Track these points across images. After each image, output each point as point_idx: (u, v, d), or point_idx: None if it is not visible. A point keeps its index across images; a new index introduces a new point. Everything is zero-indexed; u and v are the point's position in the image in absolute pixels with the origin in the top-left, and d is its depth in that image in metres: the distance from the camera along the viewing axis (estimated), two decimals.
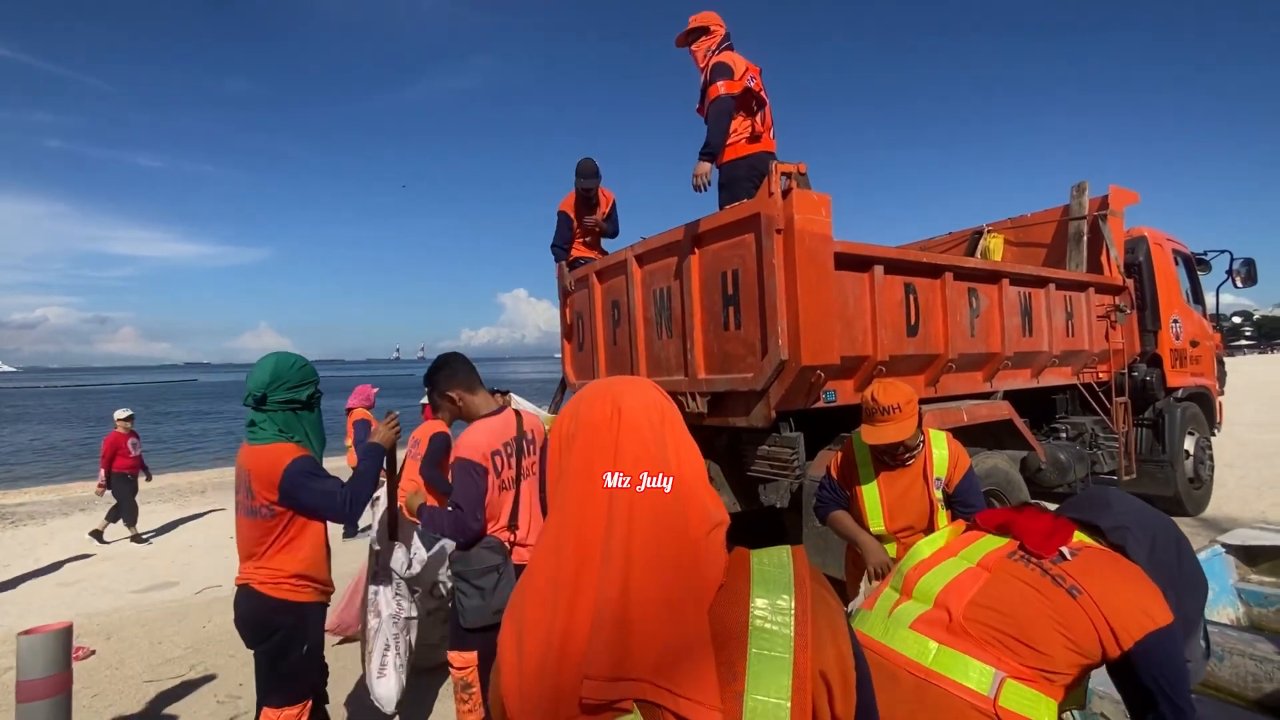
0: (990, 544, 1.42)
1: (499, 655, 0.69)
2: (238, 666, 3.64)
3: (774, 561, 0.69)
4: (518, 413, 2.48)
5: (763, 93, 3.83)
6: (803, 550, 0.71)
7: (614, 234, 5.09)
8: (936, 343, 3.76)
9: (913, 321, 3.64)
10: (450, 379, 2.39)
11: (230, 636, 3.39)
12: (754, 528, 4.46)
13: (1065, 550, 1.32)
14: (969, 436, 3.73)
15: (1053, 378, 4.82)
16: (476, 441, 2.25)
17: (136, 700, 3.40)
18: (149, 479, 7.72)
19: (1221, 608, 3.32)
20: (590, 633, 0.62)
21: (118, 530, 7.05)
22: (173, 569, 5.96)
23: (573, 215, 4.89)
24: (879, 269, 3.40)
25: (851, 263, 3.31)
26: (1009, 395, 4.29)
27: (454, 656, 2.40)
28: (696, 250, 3.51)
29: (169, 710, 3.30)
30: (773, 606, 0.64)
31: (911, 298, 3.64)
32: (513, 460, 2.34)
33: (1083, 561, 1.29)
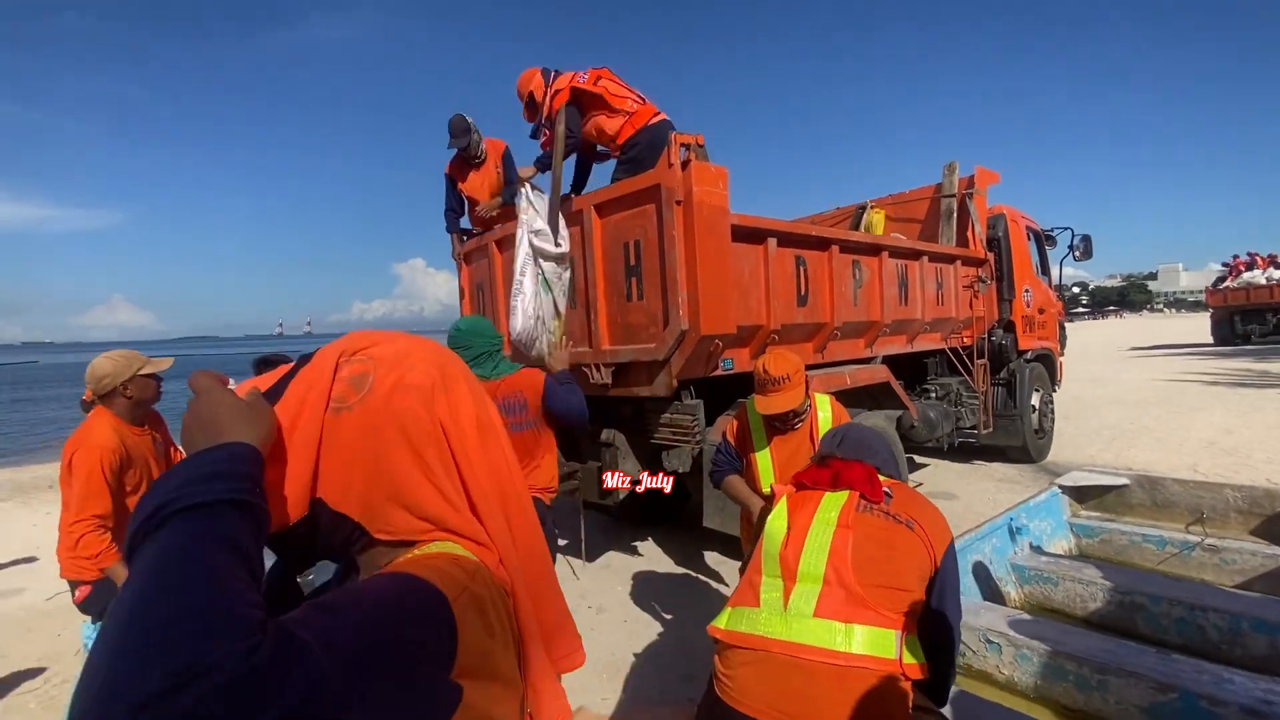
0: (835, 501, 1.50)
1: None
2: None
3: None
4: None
5: (600, 76, 3.85)
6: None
7: (511, 182, 4.88)
8: (824, 312, 4.00)
9: (803, 292, 3.84)
10: None
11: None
12: (657, 495, 4.60)
13: (886, 490, 1.52)
14: (851, 398, 4.03)
15: (924, 343, 5.28)
16: None
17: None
18: None
19: (1057, 540, 3.84)
20: None
21: None
22: (14, 575, 5.29)
23: (457, 178, 4.67)
24: (773, 241, 3.55)
25: (747, 235, 3.43)
26: (886, 360, 4.65)
27: None
28: (599, 220, 3.50)
29: None
30: None
31: (802, 269, 3.83)
32: None
33: (900, 497, 1.51)
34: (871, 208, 6.26)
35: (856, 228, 6.09)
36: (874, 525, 1.43)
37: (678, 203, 3.07)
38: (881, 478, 1.57)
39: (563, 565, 4.51)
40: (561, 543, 4.95)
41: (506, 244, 4.34)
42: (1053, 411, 6.89)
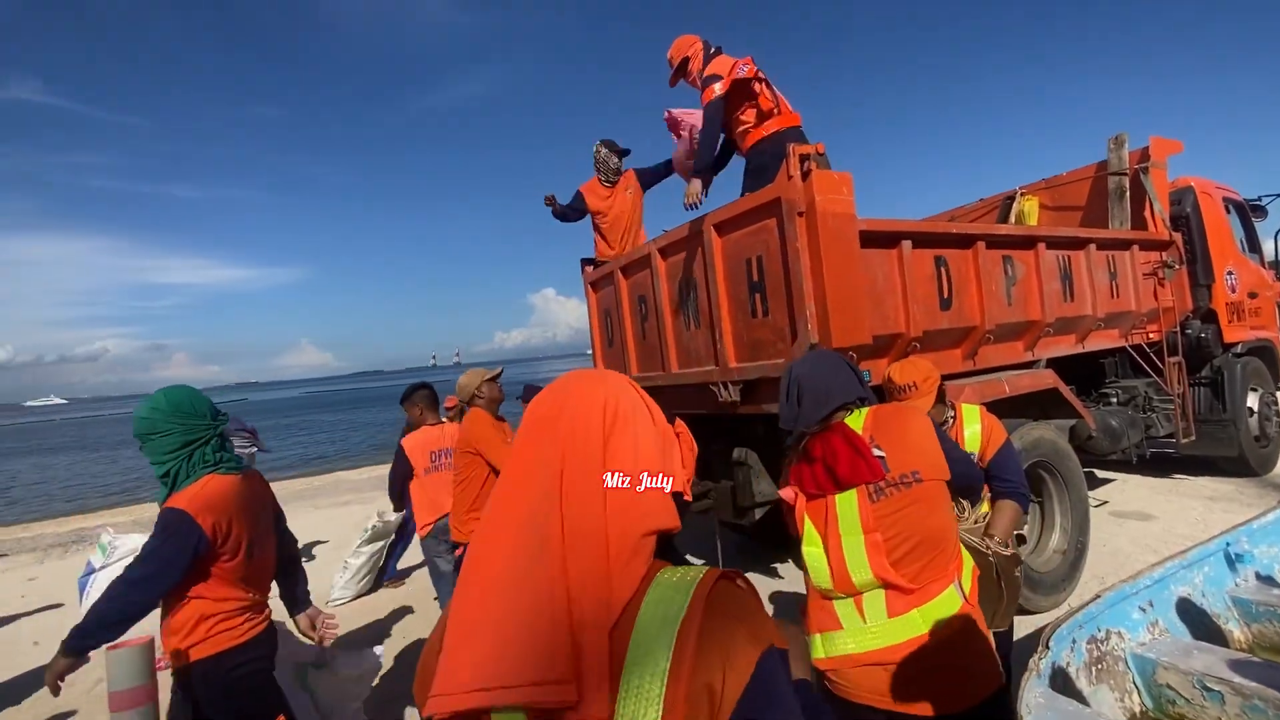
0: (848, 505, 1.51)
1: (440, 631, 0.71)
2: None
3: (676, 585, 0.66)
4: None
5: (758, 74, 3.75)
6: (712, 578, 0.67)
7: (653, 181, 5.09)
8: (972, 314, 3.67)
9: (945, 295, 3.56)
10: None
11: None
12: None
13: (877, 453, 1.50)
14: (1012, 408, 3.64)
15: (1099, 341, 4.65)
16: None
17: None
18: None
19: None
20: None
21: None
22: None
23: (585, 194, 4.93)
24: (907, 244, 3.33)
25: (878, 240, 3.25)
26: (1053, 363, 4.16)
27: None
28: (719, 239, 3.49)
29: None
30: (654, 637, 0.62)
31: (943, 270, 3.55)
32: None
33: (885, 438, 1.51)
34: (1022, 195, 5.67)
35: (1005, 219, 5.55)
36: (892, 509, 1.48)
37: (800, 214, 2.99)
38: (852, 422, 1.56)
39: None
40: (697, 562, 4.91)
41: (632, 269, 4.47)
42: (1278, 414, 5.77)
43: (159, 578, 1.79)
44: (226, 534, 1.85)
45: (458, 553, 3.44)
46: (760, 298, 3.24)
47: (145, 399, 1.92)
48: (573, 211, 4.94)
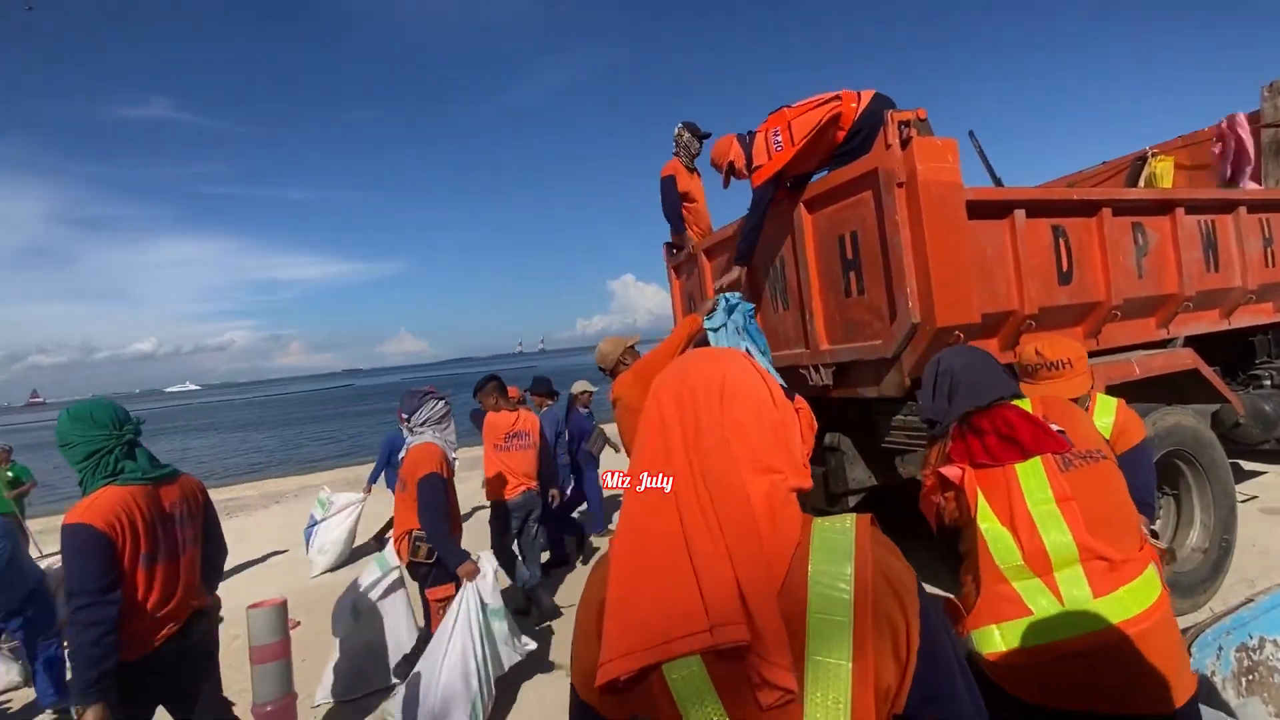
0: (1033, 475, 1.39)
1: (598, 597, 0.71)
2: None
3: (836, 528, 0.70)
4: None
5: (795, 121, 3.22)
6: (867, 519, 0.71)
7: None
8: (1096, 289, 3.33)
9: (1064, 268, 3.25)
10: None
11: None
12: (894, 499, 4.25)
13: (1057, 429, 1.41)
14: (1145, 391, 3.30)
15: (1249, 316, 4.11)
16: None
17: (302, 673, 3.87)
18: None
19: None
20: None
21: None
22: (355, 550, 6.67)
23: (677, 177, 4.80)
24: (1020, 213, 3.06)
25: (987, 210, 3.00)
26: (1192, 341, 3.72)
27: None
28: (809, 216, 3.35)
29: None
30: (831, 572, 0.65)
31: (1061, 241, 3.24)
32: None
33: (1073, 431, 1.43)
34: (1154, 156, 5.09)
35: (1135, 183, 5.01)
36: (1084, 479, 1.38)
37: (899, 185, 2.81)
38: (1020, 404, 1.49)
39: None
40: None
41: (715, 251, 4.39)
42: None
43: (103, 592, 1.76)
44: (122, 544, 1.82)
45: None
46: (855, 276, 3.09)
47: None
48: (675, 204, 4.81)
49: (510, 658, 3.11)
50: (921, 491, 1.61)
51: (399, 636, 3.46)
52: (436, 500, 2.93)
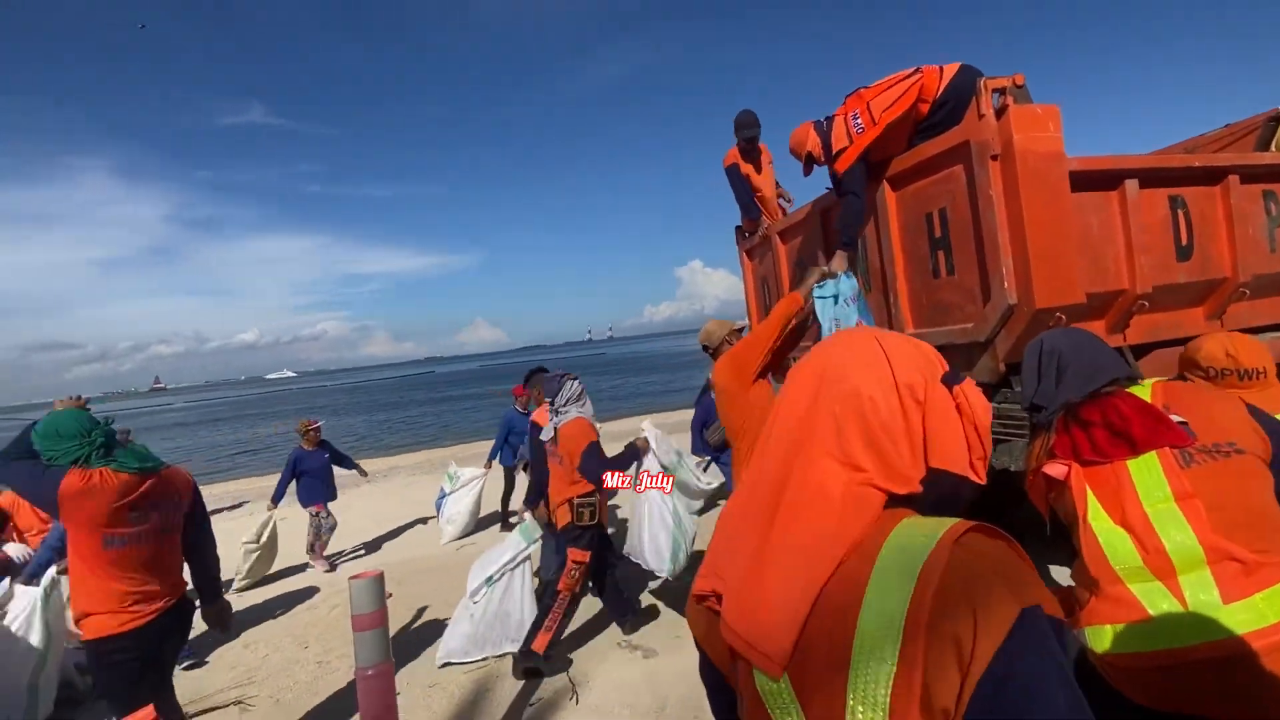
0: (1148, 471, 1.28)
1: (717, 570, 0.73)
2: None
3: (918, 533, 0.60)
4: None
5: (874, 100, 3.08)
6: (962, 526, 0.60)
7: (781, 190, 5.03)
8: (1220, 264, 3.03)
9: (1183, 242, 2.97)
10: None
11: None
12: (984, 496, 4.05)
13: (1178, 421, 1.28)
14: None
15: None
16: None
17: (433, 634, 4.05)
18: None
19: None
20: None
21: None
22: (428, 531, 7.00)
23: (741, 166, 4.77)
24: (1131, 184, 2.81)
25: (1093, 181, 2.78)
26: None
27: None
28: (893, 194, 3.20)
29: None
30: (883, 601, 0.57)
31: (1180, 213, 2.96)
32: None
33: (1195, 422, 1.29)
34: None
35: (1266, 147, 4.49)
36: (1209, 475, 1.25)
37: (994, 158, 2.64)
38: (1139, 393, 1.35)
39: None
40: None
41: (790, 233, 4.28)
42: None
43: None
44: (89, 524, 2.12)
45: None
46: (944, 255, 2.93)
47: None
48: (744, 189, 4.78)
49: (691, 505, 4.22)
50: (1027, 482, 1.51)
51: (523, 606, 3.68)
52: (603, 462, 3.43)
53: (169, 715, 2.32)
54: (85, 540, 2.16)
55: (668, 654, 3.40)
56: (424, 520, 7.43)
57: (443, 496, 6.50)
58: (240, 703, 3.45)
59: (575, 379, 3.63)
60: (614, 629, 3.79)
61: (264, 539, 5.59)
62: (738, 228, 5.11)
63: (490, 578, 3.62)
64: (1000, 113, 2.62)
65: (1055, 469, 1.38)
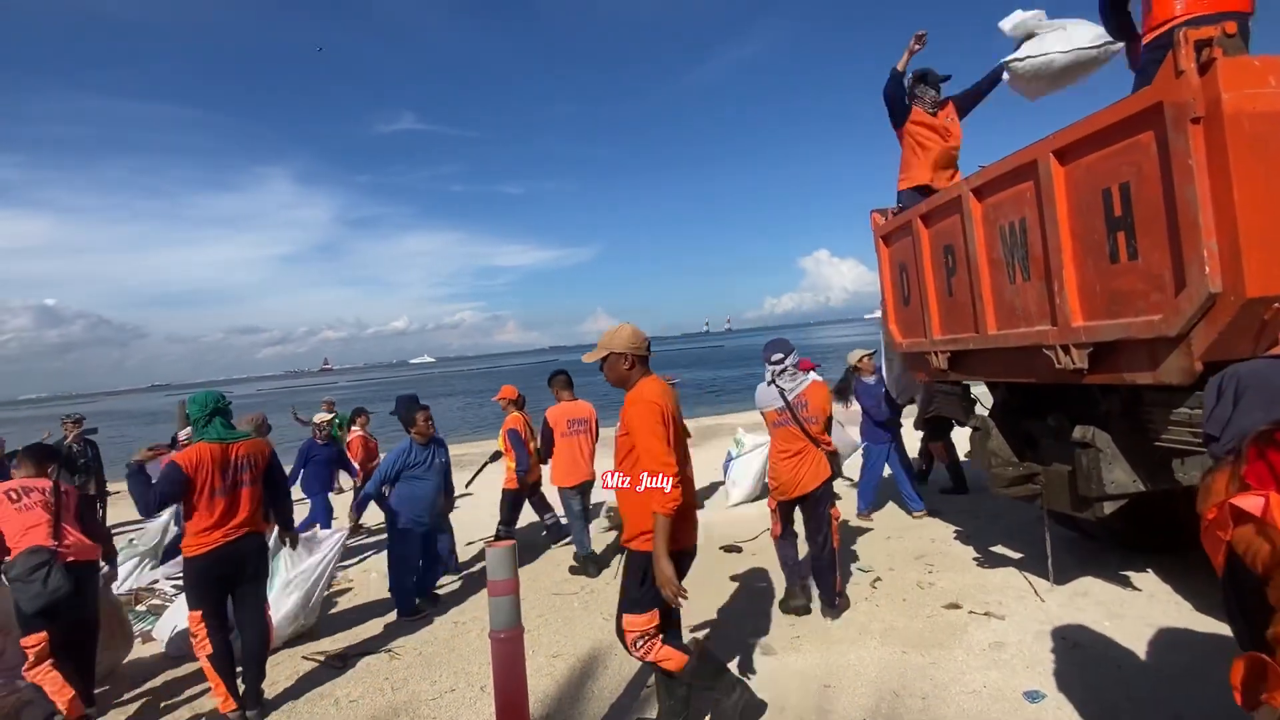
0: None
1: None
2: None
3: None
4: None
5: None
6: None
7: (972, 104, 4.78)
8: None
9: None
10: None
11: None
12: (1169, 513, 3.56)
13: None
14: None
15: None
16: None
17: (549, 605, 4.31)
18: None
19: None
20: None
21: None
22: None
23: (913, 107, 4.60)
24: None
25: None
26: None
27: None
28: (1061, 169, 2.85)
29: (567, 616, 4.10)
30: None
31: None
32: None
33: None
34: None
35: None
36: None
37: (1194, 121, 2.26)
38: None
39: (1019, 580, 3.88)
40: (1015, 556, 4.27)
41: (934, 216, 3.96)
42: None
43: (165, 494, 3.06)
44: (192, 481, 3.05)
45: None
46: (1126, 236, 2.57)
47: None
48: (901, 100, 4.62)
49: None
50: (1203, 524, 1.26)
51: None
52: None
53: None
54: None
55: (786, 653, 3.32)
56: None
57: (729, 460, 6.79)
58: (390, 650, 3.83)
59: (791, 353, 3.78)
60: (735, 629, 3.73)
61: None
62: (874, 210, 4.83)
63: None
64: (1205, 68, 2.24)
65: (1250, 502, 1.14)
